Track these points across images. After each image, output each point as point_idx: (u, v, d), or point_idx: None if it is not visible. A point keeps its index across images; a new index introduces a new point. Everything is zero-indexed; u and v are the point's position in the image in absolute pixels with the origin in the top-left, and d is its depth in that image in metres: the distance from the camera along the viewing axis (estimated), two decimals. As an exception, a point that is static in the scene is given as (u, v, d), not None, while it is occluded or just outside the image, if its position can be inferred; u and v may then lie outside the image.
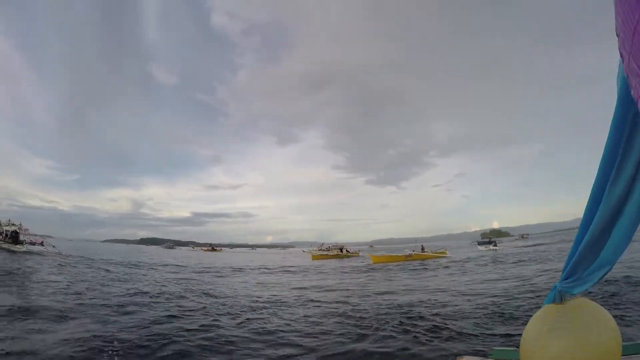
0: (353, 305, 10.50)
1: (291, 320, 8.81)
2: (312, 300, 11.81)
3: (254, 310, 10.07)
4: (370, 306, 10.25)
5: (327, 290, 14.76)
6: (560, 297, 2.43)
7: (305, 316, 9.30)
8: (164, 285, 15.31)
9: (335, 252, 51.85)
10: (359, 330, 7.51)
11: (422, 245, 42.75)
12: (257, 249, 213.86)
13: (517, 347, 3.00)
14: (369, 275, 21.59)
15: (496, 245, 51.65)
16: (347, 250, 53.17)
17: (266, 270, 26.81)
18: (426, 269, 24.70)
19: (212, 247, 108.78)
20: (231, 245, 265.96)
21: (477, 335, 6.73)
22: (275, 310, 10.17)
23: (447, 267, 25.31)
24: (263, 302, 11.37)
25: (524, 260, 24.55)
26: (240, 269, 28.44)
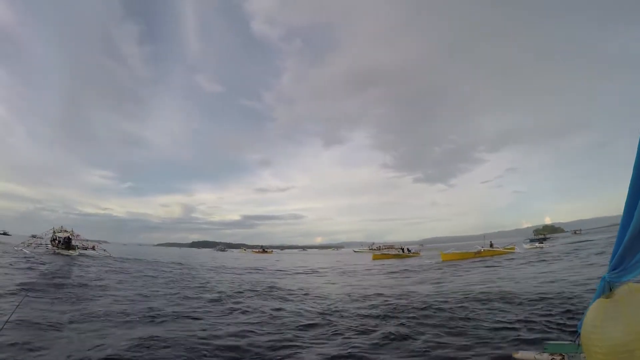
0: (477, 298, 10.86)
1: (434, 316, 8.91)
2: (435, 296, 11.97)
3: (389, 310, 9.92)
4: (502, 297, 10.71)
5: (432, 286, 15.24)
6: (609, 287, 2.63)
7: (450, 310, 9.49)
8: (273, 288, 15.57)
9: (395, 252, 51.77)
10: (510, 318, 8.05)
11: (490, 242, 42.14)
12: (308, 250, 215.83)
13: (571, 340, 3.37)
14: (452, 272, 21.31)
15: (542, 243, 50.23)
16: (407, 250, 52.50)
17: (342, 271, 26.58)
18: (505, 264, 24.16)
19: (263, 249, 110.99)
20: (282, 247, 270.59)
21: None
22: (410, 308, 10.02)
23: (524, 261, 24.77)
24: (389, 303, 11.13)
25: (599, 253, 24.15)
26: (314, 270, 28.52)
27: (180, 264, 31.44)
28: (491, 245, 39.19)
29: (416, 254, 50.76)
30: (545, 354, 3.31)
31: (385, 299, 11.91)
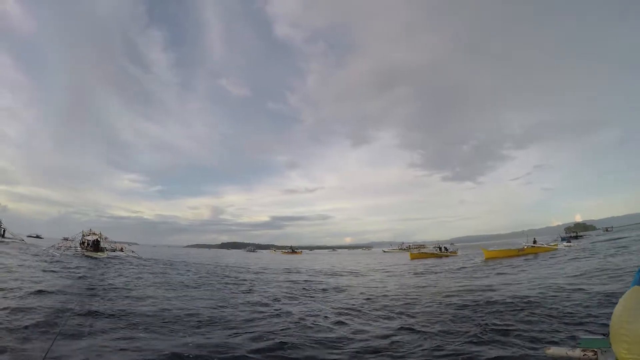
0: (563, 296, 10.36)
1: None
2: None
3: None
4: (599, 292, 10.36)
5: (498, 284, 14.57)
6: None
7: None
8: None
9: (432, 252, 51.59)
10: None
11: (534, 239, 43.83)
12: (338, 250, 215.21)
13: (605, 335, 3.24)
14: (506, 269, 20.76)
15: (570, 242, 49.40)
16: (445, 249, 51.76)
17: (386, 272, 25.24)
18: (554, 261, 23.67)
19: (293, 250, 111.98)
20: (310, 247, 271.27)
21: None
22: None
23: (572, 257, 24.26)
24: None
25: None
26: (356, 271, 27.65)
27: (216, 265, 31.27)
28: (534, 242, 39.54)
29: (453, 253, 50.23)
30: (577, 349, 3.21)
31: (463, 299, 10.82)
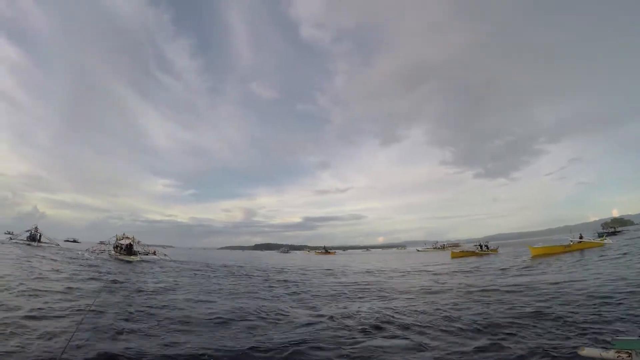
0: None
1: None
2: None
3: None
4: None
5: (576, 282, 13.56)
6: None
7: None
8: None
9: (472, 250, 50.77)
10: None
11: (580, 234, 41.33)
12: (372, 250, 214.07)
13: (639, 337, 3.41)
14: (564, 266, 20.11)
15: (605, 238, 45.60)
16: (486, 247, 50.60)
17: (433, 272, 23.67)
18: (609, 256, 22.92)
19: (326, 250, 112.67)
20: (343, 248, 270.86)
21: None
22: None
23: (626, 251, 23.78)
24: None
25: None
26: (402, 270, 27.19)
27: (254, 266, 31.31)
28: (581, 238, 38.00)
29: (494, 251, 49.49)
30: (612, 350, 3.20)
31: (533, 300, 9.72)
